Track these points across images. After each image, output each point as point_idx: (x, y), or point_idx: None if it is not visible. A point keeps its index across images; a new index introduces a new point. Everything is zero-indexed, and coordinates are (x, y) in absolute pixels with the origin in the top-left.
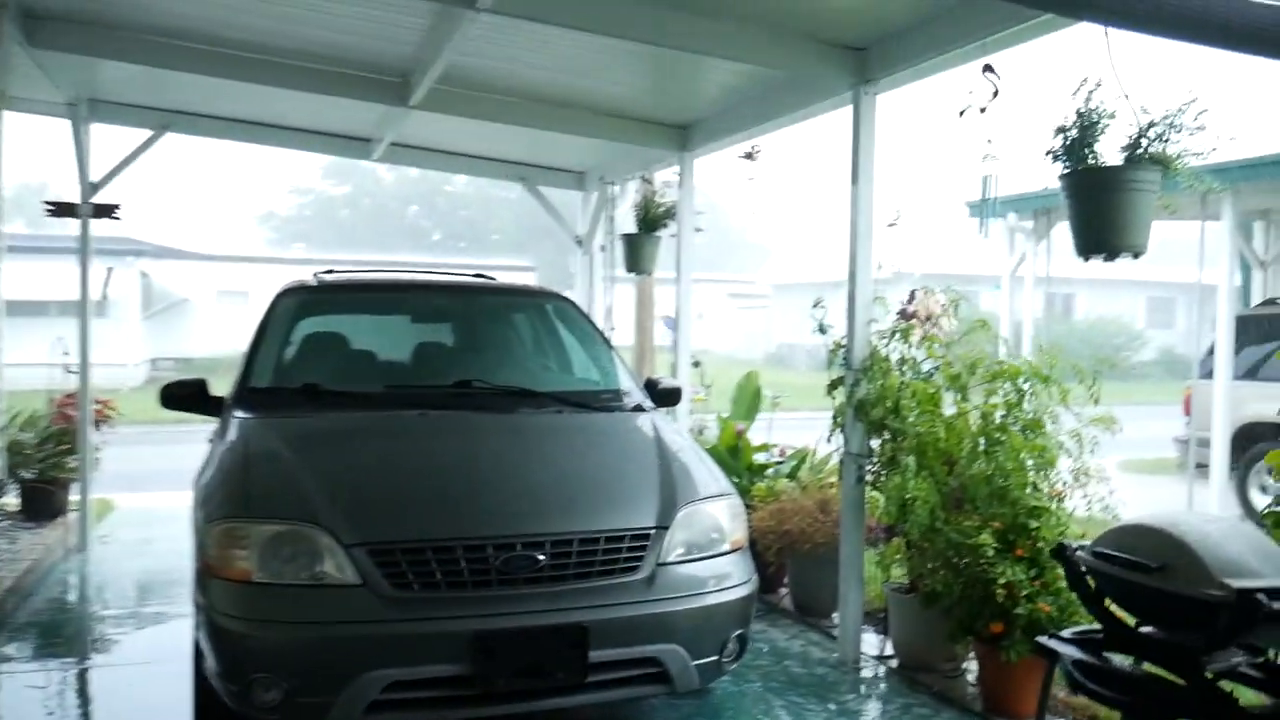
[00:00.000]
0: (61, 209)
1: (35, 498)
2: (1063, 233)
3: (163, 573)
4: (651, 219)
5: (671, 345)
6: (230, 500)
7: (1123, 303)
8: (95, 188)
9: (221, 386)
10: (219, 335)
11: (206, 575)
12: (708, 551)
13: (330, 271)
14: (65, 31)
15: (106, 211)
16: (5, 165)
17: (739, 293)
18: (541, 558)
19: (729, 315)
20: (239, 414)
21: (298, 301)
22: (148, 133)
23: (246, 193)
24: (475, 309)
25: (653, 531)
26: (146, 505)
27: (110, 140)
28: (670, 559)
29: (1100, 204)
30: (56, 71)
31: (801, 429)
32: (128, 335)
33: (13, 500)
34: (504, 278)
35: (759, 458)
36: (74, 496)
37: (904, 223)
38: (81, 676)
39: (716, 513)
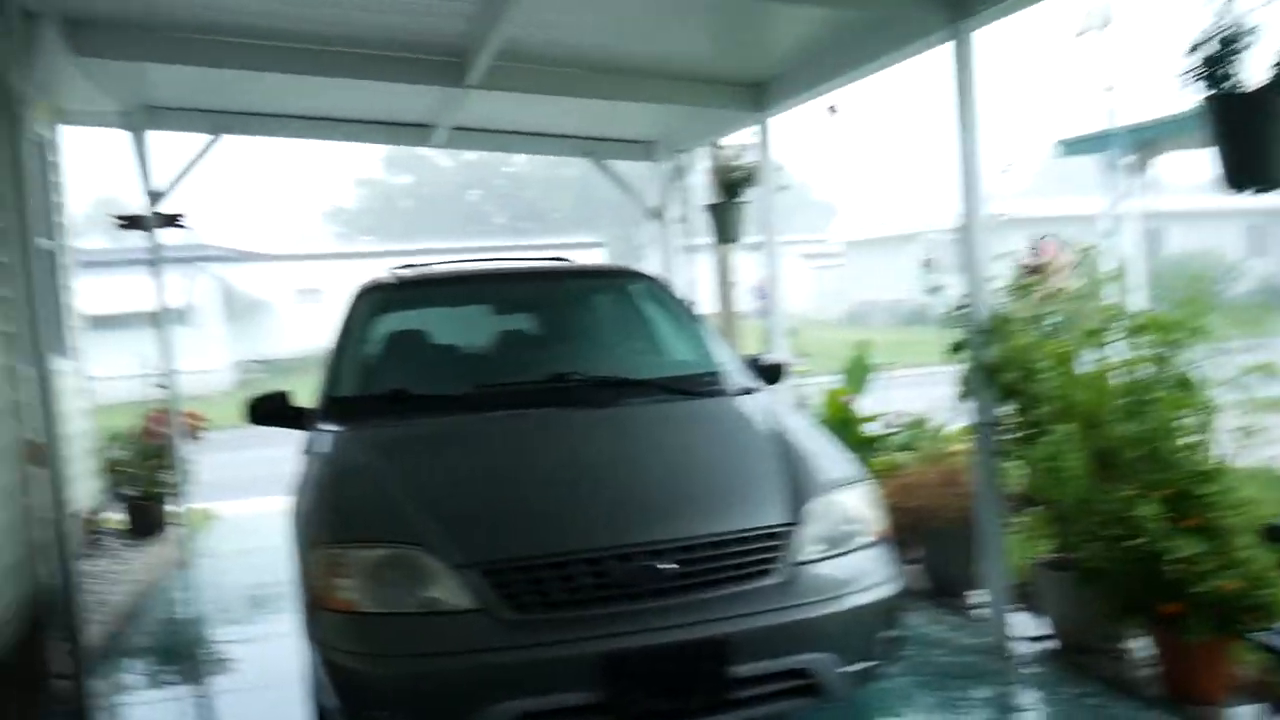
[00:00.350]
0: (131, 221)
1: (139, 514)
2: (1164, 166)
3: (265, 587)
4: (730, 184)
5: (758, 313)
6: (326, 525)
7: (1219, 234)
8: (159, 197)
9: (307, 387)
10: (299, 334)
11: (313, 606)
12: (848, 546)
13: (407, 266)
14: (111, 37)
15: (171, 220)
16: (70, 180)
17: (812, 252)
18: (668, 567)
19: (802, 276)
20: (326, 427)
21: (376, 301)
22: (205, 137)
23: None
24: (560, 295)
25: (784, 528)
26: (244, 513)
27: (171, 147)
28: (807, 557)
29: (1259, 130)
30: (107, 80)
31: (896, 390)
32: (213, 340)
33: (120, 517)
34: (573, 256)
35: (869, 429)
36: (176, 507)
37: (1007, 166)
38: (202, 704)
39: (853, 501)
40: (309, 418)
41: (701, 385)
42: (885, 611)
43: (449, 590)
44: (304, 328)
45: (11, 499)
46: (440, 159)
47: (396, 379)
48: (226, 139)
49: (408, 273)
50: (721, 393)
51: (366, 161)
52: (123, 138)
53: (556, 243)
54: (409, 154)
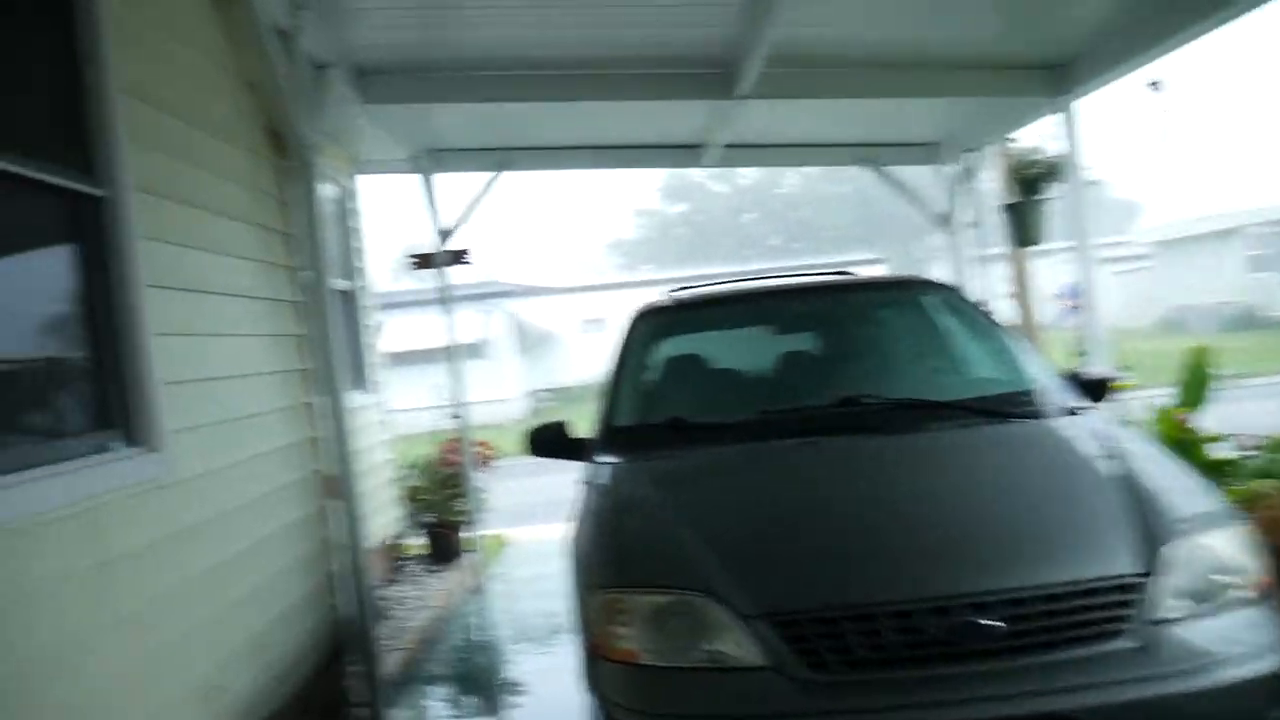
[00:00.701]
0: (422, 261)
1: (437, 540)
2: None
3: (556, 615)
4: (1029, 181)
5: (1064, 324)
6: (605, 566)
7: None
8: (448, 235)
9: (591, 415)
10: (586, 362)
11: (592, 654)
12: (1218, 600)
13: (683, 287)
14: (397, 83)
15: (458, 257)
16: (368, 225)
17: (1113, 255)
18: (994, 624)
19: (1104, 282)
20: (604, 459)
21: (653, 324)
22: (487, 175)
23: (595, 222)
24: (846, 310)
25: (1137, 579)
26: (534, 538)
27: (457, 187)
28: (1167, 615)
29: None
30: (395, 126)
31: (1240, 404)
32: (507, 372)
33: (420, 543)
34: (854, 271)
35: (1215, 451)
36: (471, 533)
37: None
38: None
39: (1224, 545)
40: (587, 448)
41: (1016, 406)
42: (1273, 689)
43: (737, 643)
44: (590, 357)
45: (311, 531)
46: (714, 185)
47: (676, 406)
48: (508, 175)
49: (684, 294)
50: (1040, 414)
51: (644, 192)
52: (412, 181)
53: (834, 261)
54: (684, 183)
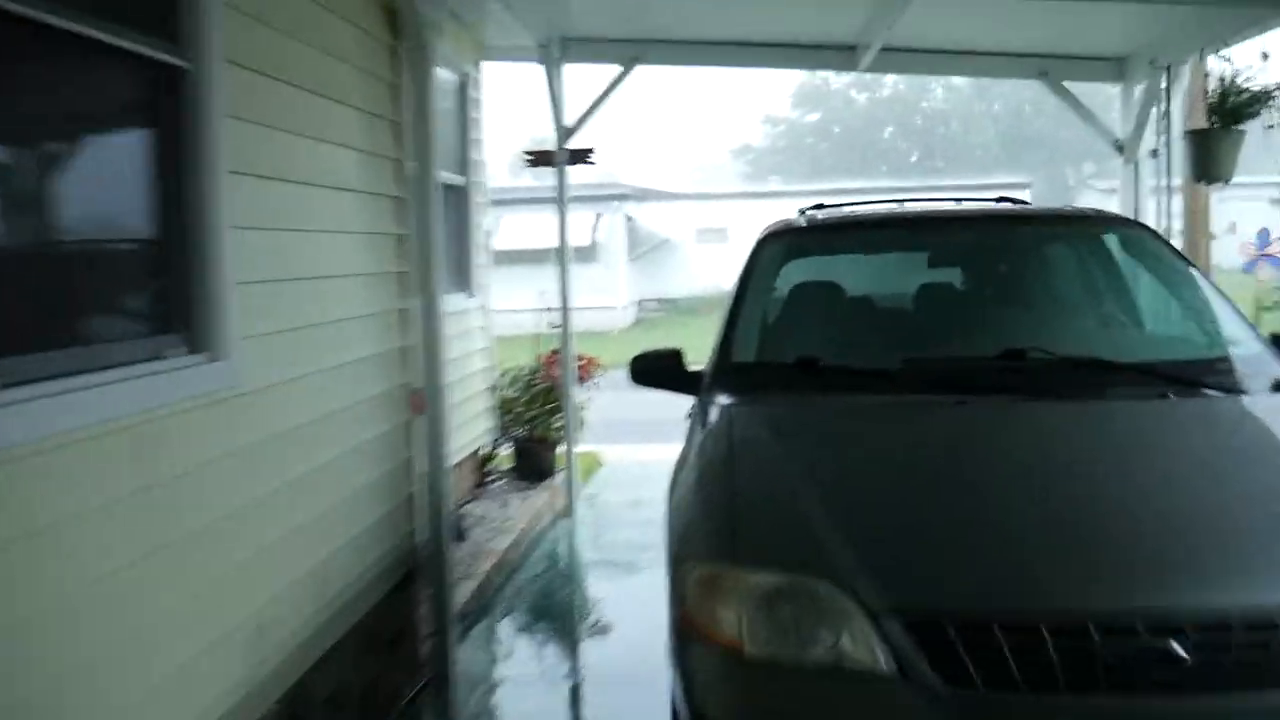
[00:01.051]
0: (539, 158)
1: (527, 457)
2: None
3: (647, 547)
4: (1233, 109)
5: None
6: (711, 534)
7: None
8: (570, 132)
9: (704, 332)
10: (699, 274)
11: (684, 630)
12: None
13: (819, 206)
14: None
15: (581, 157)
16: (490, 117)
17: None
18: (1182, 651)
19: None
20: (720, 399)
21: (785, 247)
22: (617, 69)
23: (720, 127)
24: (1012, 246)
25: None
26: (633, 459)
27: (583, 82)
28: None
29: None
30: (525, 10)
31: None
32: (616, 278)
33: (508, 459)
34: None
35: None
36: (564, 450)
37: None
38: (561, 679)
39: None
40: (701, 384)
41: (1218, 375)
42: None
43: (860, 642)
44: (706, 269)
45: (392, 449)
46: (852, 94)
47: (806, 343)
48: (639, 71)
49: (822, 214)
50: (1246, 387)
51: (776, 98)
52: (538, 73)
53: (978, 183)
54: (819, 90)
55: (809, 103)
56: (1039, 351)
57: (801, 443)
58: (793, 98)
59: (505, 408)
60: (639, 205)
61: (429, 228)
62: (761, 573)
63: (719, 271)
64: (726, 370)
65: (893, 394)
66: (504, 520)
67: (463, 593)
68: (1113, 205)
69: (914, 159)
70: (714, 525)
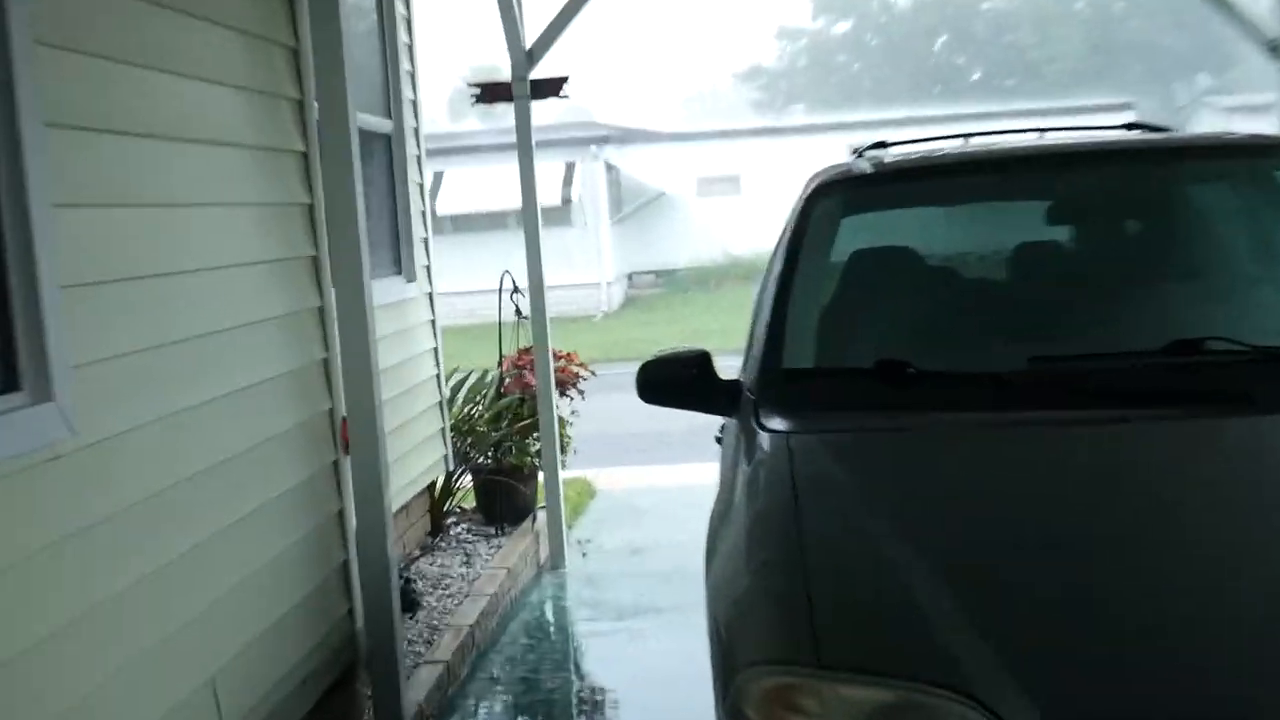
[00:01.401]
0: (491, 92)
1: (494, 492)
2: None
3: (667, 611)
4: None
5: None
6: (779, 626)
7: None
8: (531, 58)
9: (713, 314)
10: (705, 237)
11: None
12: None
13: (880, 145)
14: None
15: (550, 89)
16: (421, 45)
17: None
18: None
19: None
20: (771, 422)
21: (844, 203)
22: None
23: (722, 44)
24: (1165, 193)
25: None
26: (635, 486)
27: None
28: None
29: None
30: None
31: None
32: (598, 246)
33: (470, 495)
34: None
35: None
36: (546, 478)
37: None
38: None
39: None
40: (739, 399)
41: None
42: None
43: None
44: (714, 229)
45: (316, 500)
46: None
47: (882, 339)
48: None
49: (889, 156)
50: None
51: (791, 4)
52: None
53: (1065, 106)
54: None
55: (835, 9)
56: (1224, 342)
57: (895, 488)
58: (814, 4)
59: (463, 428)
60: (622, 150)
61: (347, 191)
62: (860, 684)
63: (731, 232)
64: (775, 380)
65: (1019, 409)
66: (469, 581)
67: (419, 688)
68: (1256, 125)
69: (975, 77)
70: (781, 612)
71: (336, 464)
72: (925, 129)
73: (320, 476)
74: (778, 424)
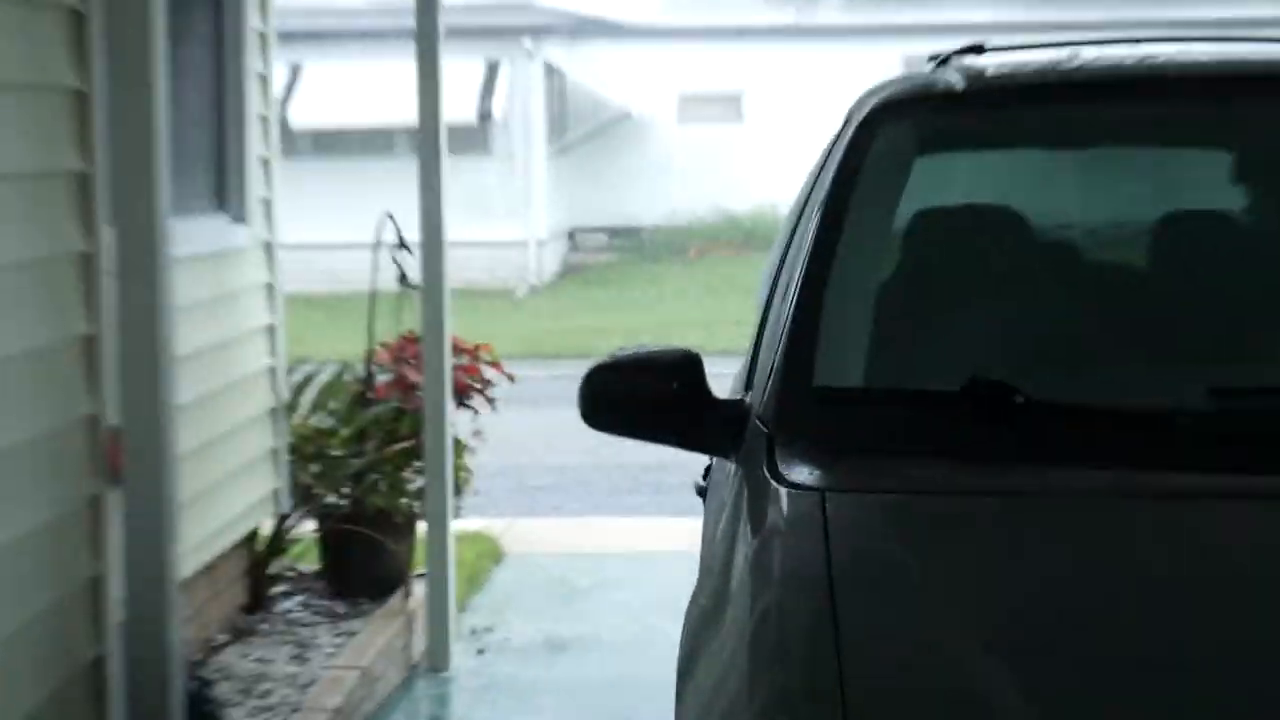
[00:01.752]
0: None
1: (348, 548)
2: None
3: None
4: None
5: None
6: None
7: None
8: None
9: (697, 300)
10: (688, 182)
11: None
12: None
13: (975, 49)
14: None
15: None
16: None
17: None
18: None
19: None
20: (794, 474)
21: (916, 137)
22: None
23: None
24: None
25: None
26: (562, 546)
27: None
28: None
29: None
30: None
31: None
32: (528, 187)
33: (311, 551)
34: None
35: None
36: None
37: None
38: None
39: None
40: (741, 431)
41: None
42: None
43: None
44: (702, 170)
45: (59, 562)
46: None
47: (976, 351)
48: None
49: (993, 68)
50: None
51: None
52: None
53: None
54: None
55: None
56: None
57: (992, 594)
58: None
59: (308, 449)
60: (572, 48)
61: (141, 71)
62: None
63: (726, 176)
64: (802, 405)
65: (1199, 470)
66: (300, 686)
67: None
68: None
69: None
70: None
71: (97, 501)
72: (1030, 37)
73: (67, 521)
74: (804, 475)
